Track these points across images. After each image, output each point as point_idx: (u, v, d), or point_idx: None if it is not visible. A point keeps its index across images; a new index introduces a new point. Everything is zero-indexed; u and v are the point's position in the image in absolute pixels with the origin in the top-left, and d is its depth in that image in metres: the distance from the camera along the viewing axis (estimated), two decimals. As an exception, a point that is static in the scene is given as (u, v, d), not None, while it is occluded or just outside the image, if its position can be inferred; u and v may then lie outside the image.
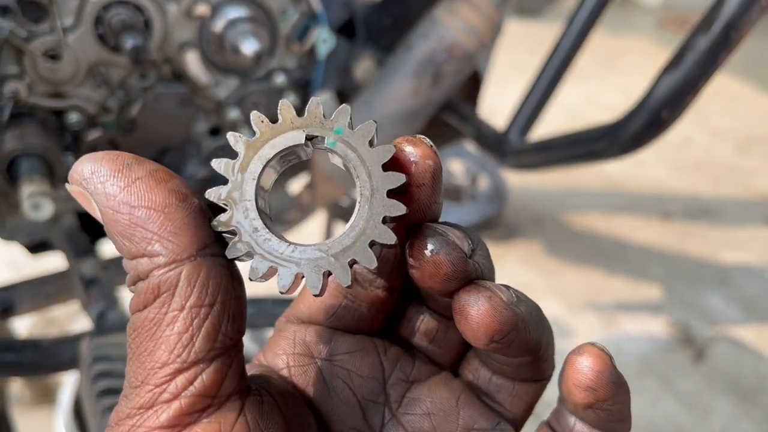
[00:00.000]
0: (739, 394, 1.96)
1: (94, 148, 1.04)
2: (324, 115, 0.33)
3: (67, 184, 0.32)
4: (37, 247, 1.13)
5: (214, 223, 0.32)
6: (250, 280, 0.32)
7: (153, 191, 0.31)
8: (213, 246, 0.32)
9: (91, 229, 1.12)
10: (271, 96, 1.13)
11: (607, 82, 3.79)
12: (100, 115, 1.03)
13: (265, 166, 0.33)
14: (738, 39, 0.74)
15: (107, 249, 1.21)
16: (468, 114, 1.21)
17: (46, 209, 0.87)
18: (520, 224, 2.60)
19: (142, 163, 0.31)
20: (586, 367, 0.35)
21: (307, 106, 0.34)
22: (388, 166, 0.33)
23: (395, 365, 0.40)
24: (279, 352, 0.40)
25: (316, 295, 0.33)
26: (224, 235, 0.33)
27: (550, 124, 1.58)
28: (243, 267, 0.33)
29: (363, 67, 1.19)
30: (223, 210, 0.33)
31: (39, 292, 1.09)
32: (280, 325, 0.41)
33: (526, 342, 0.35)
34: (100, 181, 0.31)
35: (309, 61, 1.14)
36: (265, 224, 0.33)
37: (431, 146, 0.34)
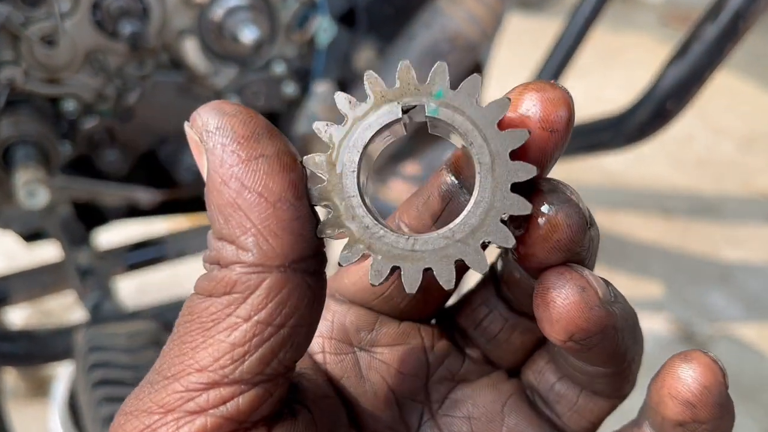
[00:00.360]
0: (740, 392, 1.95)
1: (90, 135, 1.02)
2: (417, 80, 0.28)
3: (186, 123, 0.28)
4: (32, 236, 1.12)
5: (320, 228, 0.28)
6: (373, 285, 0.28)
7: (272, 177, 0.26)
8: (309, 261, 0.27)
9: (87, 218, 1.11)
10: (271, 85, 1.11)
11: (609, 78, 3.78)
12: (96, 103, 1.02)
13: (362, 156, 0.28)
14: (745, 29, 0.73)
15: (103, 239, 1.20)
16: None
17: (41, 197, 0.86)
18: (521, 220, 2.57)
19: (273, 138, 0.27)
20: (690, 377, 0.29)
21: (397, 72, 0.28)
22: (504, 124, 0.28)
23: (441, 362, 0.36)
24: (316, 333, 0.34)
25: (450, 290, 0.28)
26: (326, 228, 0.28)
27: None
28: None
29: (364, 57, 1.17)
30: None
31: (34, 282, 1.07)
32: None
33: (611, 351, 0.30)
34: (222, 141, 0.26)
35: (309, 51, 1.13)
36: (376, 220, 0.28)
37: (561, 87, 0.29)
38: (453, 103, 0.28)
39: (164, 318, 0.89)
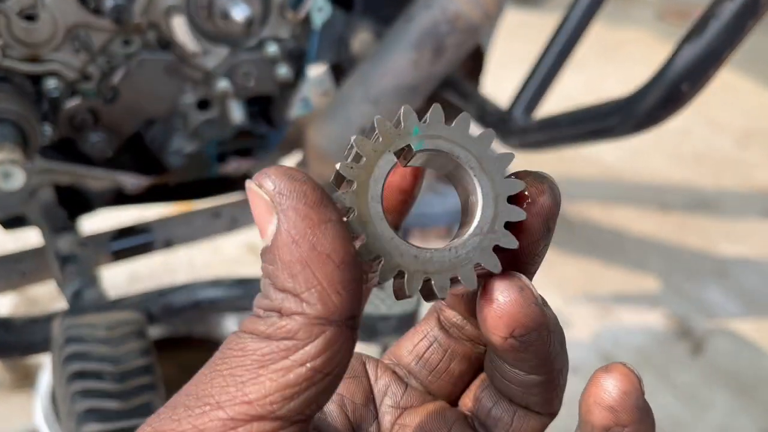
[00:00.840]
0: (737, 388, 1.92)
1: (73, 116, 0.97)
2: (394, 127, 0.32)
3: (250, 182, 0.30)
4: (12, 222, 1.07)
5: (382, 274, 0.32)
6: (398, 299, 0.33)
7: (338, 241, 0.29)
8: (357, 318, 0.30)
9: (70, 204, 1.06)
10: (263, 67, 1.07)
11: (606, 73, 3.75)
12: (80, 83, 0.97)
13: (382, 203, 0.32)
14: (767, 4, 0.69)
15: (86, 225, 1.15)
16: (470, 91, 1.15)
17: (17, 179, 0.81)
18: (517, 213, 2.54)
19: (334, 206, 0.30)
20: (611, 385, 0.32)
21: (376, 127, 0.32)
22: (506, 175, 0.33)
23: (385, 391, 0.40)
24: None
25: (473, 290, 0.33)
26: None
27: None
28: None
29: (360, 39, 1.13)
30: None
31: (13, 270, 1.03)
32: None
33: (545, 353, 0.34)
34: (296, 205, 0.29)
35: (303, 31, 1.08)
36: (415, 246, 0.32)
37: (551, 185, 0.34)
38: (434, 133, 0.32)
39: (147, 308, 0.84)
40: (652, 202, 2.76)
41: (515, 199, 0.33)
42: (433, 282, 0.32)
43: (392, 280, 0.33)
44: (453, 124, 0.32)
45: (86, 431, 0.67)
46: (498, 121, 1.05)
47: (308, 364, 0.29)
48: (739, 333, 2.12)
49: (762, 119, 3.50)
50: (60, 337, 0.74)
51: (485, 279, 0.33)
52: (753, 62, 3.84)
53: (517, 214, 0.32)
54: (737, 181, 2.97)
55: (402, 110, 0.32)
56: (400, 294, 0.33)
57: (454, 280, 0.32)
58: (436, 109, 0.32)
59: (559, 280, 2.25)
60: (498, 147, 1.04)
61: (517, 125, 1.03)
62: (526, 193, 0.33)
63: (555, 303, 2.11)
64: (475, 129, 0.34)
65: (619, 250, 2.45)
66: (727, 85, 3.55)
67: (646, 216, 2.66)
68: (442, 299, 0.35)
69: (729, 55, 0.73)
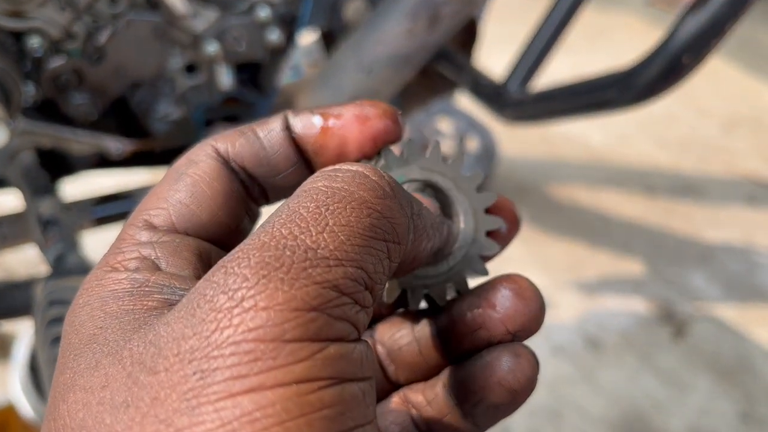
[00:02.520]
0: (718, 372, 1.93)
1: (57, 76, 0.94)
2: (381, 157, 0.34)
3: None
4: (-9, 184, 1.04)
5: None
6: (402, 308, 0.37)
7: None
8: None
9: (52, 167, 1.04)
10: (253, 31, 1.04)
11: (594, 57, 3.74)
12: (64, 42, 0.94)
13: None
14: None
15: (68, 189, 1.12)
16: (464, 64, 1.13)
17: (0, 136, 0.79)
18: (505, 193, 2.53)
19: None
20: (518, 370, 0.32)
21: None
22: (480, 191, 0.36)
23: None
24: None
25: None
26: None
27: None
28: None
29: (353, 6, 1.10)
30: None
31: (-8, 234, 1.00)
32: None
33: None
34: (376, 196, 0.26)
35: (296, -4, 1.06)
36: None
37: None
38: (413, 165, 0.35)
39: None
40: (638, 185, 2.76)
41: (491, 211, 0.36)
42: (432, 293, 0.34)
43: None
44: (428, 155, 0.35)
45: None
46: (493, 94, 1.04)
47: None
48: (722, 318, 2.13)
49: (747, 106, 3.51)
50: (43, 300, 0.72)
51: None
52: (740, 49, 3.85)
53: (496, 222, 0.36)
54: (722, 167, 2.98)
55: (382, 151, 0.34)
56: (401, 306, 0.36)
57: (449, 289, 0.35)
58: (411, 144, 0.34)
59: (545, 262, 2.25)
60: (489, 118, 1.02)
61: (513, 98, 1.01)
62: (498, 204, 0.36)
63: (542, 284, 2.11)
64: (447, 153, 0.34)
65: (605, 233, 2.45)
66: (713, 71, 3.55)
67: (631, 200, 2.66)
68: (442, 307, 0.35)
69: (731, 28, 0.72)
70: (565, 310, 2.06)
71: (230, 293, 0.21)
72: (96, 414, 0.22)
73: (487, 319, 0.32)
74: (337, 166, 0.27)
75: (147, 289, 0.27)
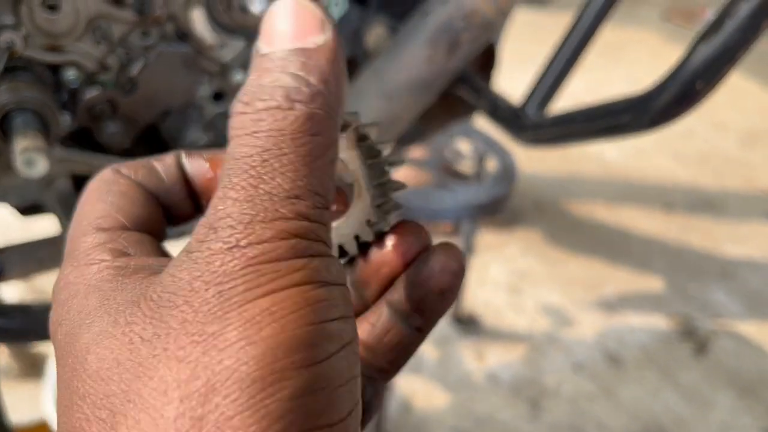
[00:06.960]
0: (740, 388, 1.93)
1: (92, 106, 0.99)
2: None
3: None
4: (28, 209, 1.08)
5: None
6: None
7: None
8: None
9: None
10: (279, 60, 1.08)
11: (612, 73, 3.75)
12: (99, 73, 0.98)
13: None
14: (783, 4, 0.69)
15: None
16: (482, 87, 1.16)
17: (40, 166, 0.82)
18: (523, 210, 2.56)
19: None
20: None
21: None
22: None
23: None
24: None
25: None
26: None
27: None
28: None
29: (375, 34, 1.14)
30: None
31: (30, 257, 1.04)
32: None
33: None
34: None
35: (319, 26, 1.09)
36: None
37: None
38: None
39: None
40: (657, 202, 2.77)
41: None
42: (345, 246, 0.37)
43: None
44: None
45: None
46: (511, 117, 1.06)
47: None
48: (743, 333, 2.13)
49: (765, 120, 3.51)
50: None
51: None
52: (758, 64, 3.85)
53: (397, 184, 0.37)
54: (741, 182, 2.98)
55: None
56: None
57: (359, 242, 0.37)
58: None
59: (563, 279, 2.26)
60: (507, 139, 1.04)
61: (531, 121, 1.04)
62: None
63: (559, 301, 2.13)
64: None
65: (624, 250, 2.46)
66: (731, 86, 3.55)
67: (650, 216, 2.67)
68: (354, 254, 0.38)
69: (743, 55, 0.74)
70: (585, 326, 2.07)
71: (224, 240, 0.26)
72: (129, 350, 0.25)
73: (385, 255, 0.36)
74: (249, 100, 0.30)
75: (131, 270, 0.30)
